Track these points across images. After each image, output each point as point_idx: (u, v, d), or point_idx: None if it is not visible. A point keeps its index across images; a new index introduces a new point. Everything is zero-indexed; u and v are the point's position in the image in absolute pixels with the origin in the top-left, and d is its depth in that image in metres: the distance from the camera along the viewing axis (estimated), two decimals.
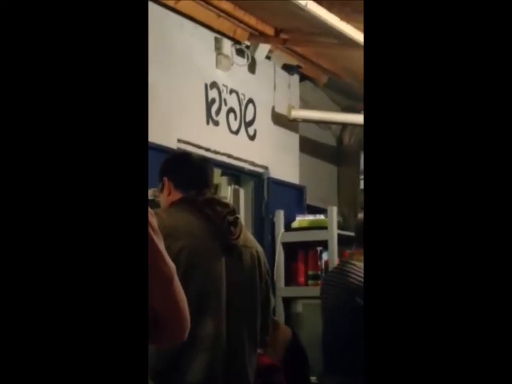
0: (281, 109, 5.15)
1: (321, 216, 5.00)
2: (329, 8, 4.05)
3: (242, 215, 4.68)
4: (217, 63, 4.58)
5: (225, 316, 2.64)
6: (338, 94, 5.82)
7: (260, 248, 2.86)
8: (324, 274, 4.64)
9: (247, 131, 4.88)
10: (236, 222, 2.71)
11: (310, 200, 5.41)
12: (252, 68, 4.90)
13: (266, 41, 4.72)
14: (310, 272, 4.92)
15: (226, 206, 2.74)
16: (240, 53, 4.73)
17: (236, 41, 4.64)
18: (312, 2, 3.93)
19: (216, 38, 4.55)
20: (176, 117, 4.24)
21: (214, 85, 4.57)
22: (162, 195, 2.82)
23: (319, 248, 4.88)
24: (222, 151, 4.58)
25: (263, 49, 4.76)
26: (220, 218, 2.66)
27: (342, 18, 4.13)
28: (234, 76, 4.74)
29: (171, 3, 4.15)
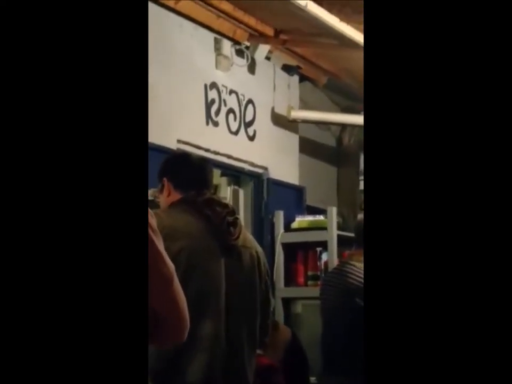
0: (280, 110, 5.15)
1: (321, 217, 5.00)
2: (329, 9, 4.05)
3: (241, 216, 4.68)
4: (217, 64, 4.58)
5: (224, 316, 2.64)
6: (338, 94, 5.82)
7: (259, 249, 2.85)
8: (323, 275, 4.64)
9: (246, 132, 4.88)
10: (235, 223, 2.71)
11: (309, 200, 5.41)
12: (251, 68, 4.90)
13: (266, 42, 4.72)
14: (310, 273, 4.92)
15: (226, 207, 2.74)
16: (239, 53, 4.73)
17: (235, 42, 4.64)
18: (312, 3, 3.93)
19: (215, 39, 4.55)
20: (175, 117, 4.24)
21: (213, 85, 4.57)
22: (161, 196, 2.82)
23: (318, 249, 4.88)
24: (221, 151, 4.58)
25: (262, 49, 4.76)
26: (220, 219, 2.66)
27: (342, 19, 4.13)
28: (234, 76, 4.74)
29: (171, 3, 4.15)
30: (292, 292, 4.96)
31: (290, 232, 4.98)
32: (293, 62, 5.17)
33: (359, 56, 4.11)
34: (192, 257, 2.57)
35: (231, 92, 4.74)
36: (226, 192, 4.82)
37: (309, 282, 4.91)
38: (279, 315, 4.80)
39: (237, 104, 4.79)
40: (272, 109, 5.12)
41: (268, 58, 4.94)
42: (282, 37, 4.73)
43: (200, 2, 4.23)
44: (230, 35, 4.58)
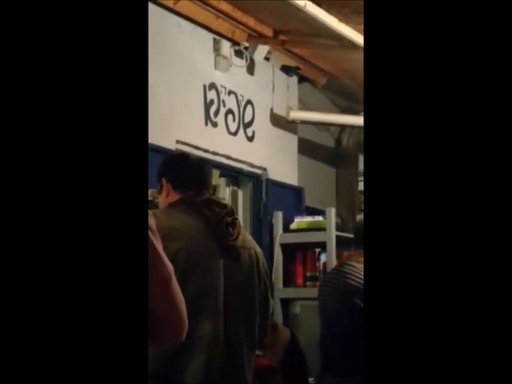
0: (279, 110, 5.15)
1: (320, 218, 5.00)
2: (328, 10, 4.05)
3: (240, 217, 4.68)
4: (216, 64, 4.58)
5: (223, 317, 2.64)
6: (337, 95, 5.82)
7: (258, 249, 2.85)
8: (322, 276, 4.64)
9: (245, 132, 4.88)
10: (234, 223, 2.71)
11: (308, 201, 5.41)
12: (250, 69, 4.90)
13: (265, 43, 4.73)
14: (308, 274, 4.92)
15: (225, 207, 2.74)
16: (238, 54, 4.74)
17: (234, 43, 4.65)
18: (311, 3, 3.93)
19: (214, 39, 4.55)
20: (174, 118, 4.24)
21: (212, 86, 4.57)
22: (160, 196, 2.82)
23: (317, 250, 4.88)
24: (220, 152, 4.58)
25: (261, 50, 4.76)
26: (218, 219, 2.67)
27: (341, 20, 4.13)
28: (233, 77, 4.74)
29: (169, 3, 4.15)
30: (291, 292, 4.96)
31: (289, 233, 4.99)
32: (292, 62, 5.18)
33: (359, 57, 4.11)
34: (190, 257, 2.57)
35: (230, 92, 4.74)
36: (225, 193, 4.82)
37: (308, 283, 4.91)
38: (278, 316, 4.80)
39: (236, 105, 4.79)
40: (271, 110, 5.12)
41: (266, 59, 4.94)
42: (281, 37, 4.73)
43: (199, 3, 4.23)
44: (229, 35, 4.58)
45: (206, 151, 4.41)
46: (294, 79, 5.34)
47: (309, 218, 5.07)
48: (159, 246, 1.54)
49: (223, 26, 4.49)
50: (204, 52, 4.51)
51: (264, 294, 2.82)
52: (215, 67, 4.59)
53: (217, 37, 4.55)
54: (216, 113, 4.59)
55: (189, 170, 2.81)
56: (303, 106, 5.42)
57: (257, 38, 4.67)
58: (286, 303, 4.97)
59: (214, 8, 4.31)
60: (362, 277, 3.28)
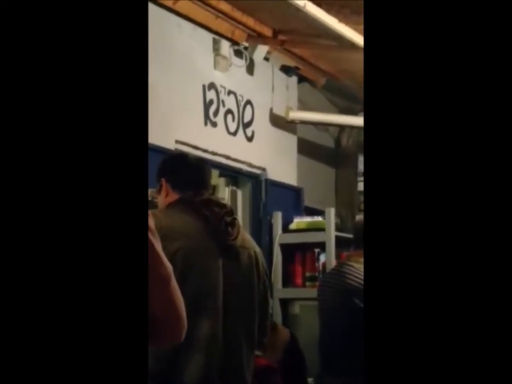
0: (279, 111, 5.15)
1: (319, 218, 5.00)
2: (328, 10, 4.05)
3: (240, 217, 4.68)
4: (215, 64, 4.58)
5: (222, 317, 2.64)
6: (336, 95, 5.82)
7: (257, 249, 2.85)
8: (321, 276, 4.64)
9: (245, 132, 4.88)
10: (233, 223, 2.71)
11: (307, 201, 5.41)
12: (250, 69, 4.90)
13: (264, 43, 4.72)
14: (308, 274, 4.92)
15: (224, 207, 2.74)
16: (238, 54, 4.73)
17: (234, 42, 4.64)
18: (310, 3, 3.93)
19: (214, 39, 4.55)
20: (174, 118, 4.24)
21: (212, 86, 4.57)
22: (159, 196, 2.82)
23: (316, 250, 4.88)
24: (219, 152, 4.58)
25: (261, 50, 4.76)
26: (218, 219, 2.66)
27: (341, 20, 4.13)
28: (233, 77, 4.73)
29: (169, 3, 4.15)
30: (290, 292, 4.96)
31: (288, 233, 4.98)
32: (291, 62, 5.17)
33: (358, 57, 4.11)
34: (190, 257, 2.57)
35: (230, 92, 4.74)
36: (224, 193, 4.82)
37: (307, 283, 4.91)
38: (277, 316, 4.80)
39: (235, 105, 4.79)
40: (271, 110, 5.12)
41: (266, 59, 4.94)
42: (281, 37, 4.73)
43: (199, 3, 4.23)
44: (229, 35, 4.58)
45: (205, 151, 4.41)
46: (294, 79, 5.34)
47: (308, 219, 5.07)
48: (158, 246, 1.54)
49: (223, 26, 4.49)
50: (203, 51, 4.50)
51: (264, 293, 2.82)
52: (215, 67, 4.58)
53: (216, 37, 4.55)
54: (216, 113, 4.59)
55: (188, 170, 2.80)
56: (303, 106, 5.42)
57: (257, 38, 4.67)
58: (285, 303, 4.97)
59: (213, 8, 4.31)
60: (361, 277, 3.28)
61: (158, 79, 4.03)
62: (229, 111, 4.72)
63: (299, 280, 4.95)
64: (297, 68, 5.25)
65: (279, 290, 4.90)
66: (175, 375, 2.54)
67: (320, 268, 4.84)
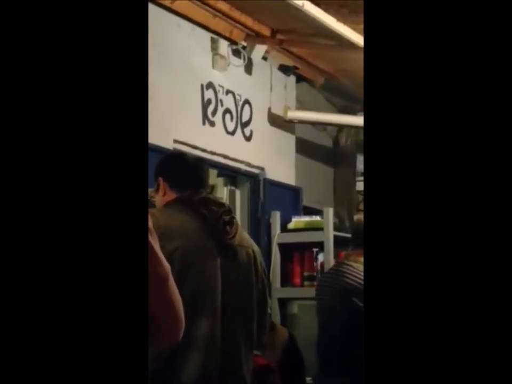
0: (277, 110, 5.15)
1: (317, 218, 5.00)
2: (326, 9, 4.05)
3: (238, 216, 4.68)
4: (214, 64, 4.58)
5: (220, 316, 2.63)
6: (334, 95, 5.82)
7: (256, 248, 2.85)
8: (319, 276, 4.64)
9: (243, 132, 4.87)
10: (231, 222, 2.70)
11: (306, 201, 5.41)
12: (248, 68, 4.90)
13: (262, 42, 4.72)
14: (306, 273, 4.92)
15: (222, 206, 2.73)
16: (236, 53, 4.73)
17: (232, 42, 4.64)
18: (309, 3, 3.93)
19: (212, 39, 4.55)
20: (172, 117, 4.23)
21: (210, 85, 4.57)
22: (157, 195, 2.81)
23: (315, 250, 4.88)
24: (218, 151, 4.58)
25: (259, 50, 4.75)
26: (216, 218, 2.66)
27: (339, 20, 4.13)
28: (231, 76, 4.73)
29: (167, 3, 4.15)
30: (288, 292, 4.96)
31: (286, 233, 4.98)
32: (289, 62, 5.17)
33: (357, 57, 4.12)
34: (188, 256, 2.56)
35: (228, 92, 4.74)
36: (222, 193, 4.82)
37: (305, 283, 4.91)
38: (275, 315, 4.80)
39: (233, 104, 4.78)
40: (269, 109, 5.12)
41: (264, 58, 4.94)
42: (279, 37, 4.73)
43: (197, 2, 4.23)
44: (227, 35, 4.58)
45: (203, 150, 4.41)
46: (292, 78, 5.34)
47: (306, 218, 5.07)
48: (156, 245, 1.54)
49: (221, 25, 4.49)
50: (202, 51, 4.50)
51: (262, 293, 2.81)
52: (213, 66, 4.58)
53: (215, 36, 4.55)
54: (214, 112, 4.59)
55: (185, 169, 2.80)
56: (301, 105, 5.42)
57: (255, 37, 4.67)
58: (284, 303, 4.96)
59: (211, 7, 4.31)
60: (360, 277, 3.28)
61: (156, 79, 4.02)
62: (227, 111, 4.72)
63: (297, 280, 4.95)
64: (295, 68, 5.25)
65: (278, 290, 4.90)
66: (173, 374, 2.53)
67: (319, 267, 4.84)
